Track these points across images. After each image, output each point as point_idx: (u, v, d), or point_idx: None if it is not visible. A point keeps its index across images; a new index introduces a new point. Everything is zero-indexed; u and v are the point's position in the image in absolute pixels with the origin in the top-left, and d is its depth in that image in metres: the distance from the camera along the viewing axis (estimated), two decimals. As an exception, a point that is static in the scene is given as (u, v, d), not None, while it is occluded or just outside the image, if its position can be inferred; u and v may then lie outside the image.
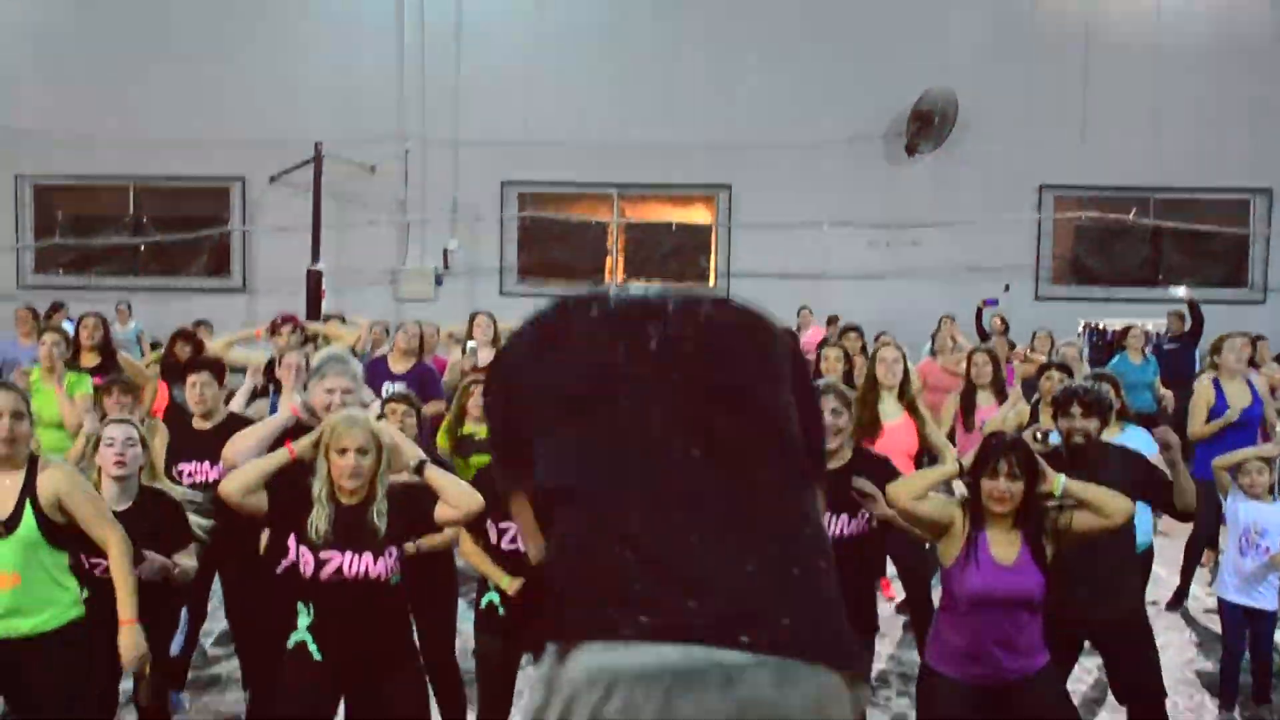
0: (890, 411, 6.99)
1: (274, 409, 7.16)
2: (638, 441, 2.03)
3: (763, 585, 1.91)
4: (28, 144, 17.28)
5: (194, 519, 5.25)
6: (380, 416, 5.26)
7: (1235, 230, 17.66)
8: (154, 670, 5.00)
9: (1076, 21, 17.12)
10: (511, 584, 4.87)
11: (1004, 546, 4.44)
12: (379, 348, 10.48)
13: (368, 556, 4.32)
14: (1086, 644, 5.52)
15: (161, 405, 8.25)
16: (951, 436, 8.21)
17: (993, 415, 8.03)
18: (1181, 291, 14.09)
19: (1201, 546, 8.55)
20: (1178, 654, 7.44)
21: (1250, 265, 17.79)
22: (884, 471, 4.99)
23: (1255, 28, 17.17)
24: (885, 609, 6.58)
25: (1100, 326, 16.43)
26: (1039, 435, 5.43)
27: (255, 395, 7.79)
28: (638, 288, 2.27)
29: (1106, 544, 4.80)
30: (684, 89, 17.15)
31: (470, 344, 9.62)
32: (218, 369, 6.65)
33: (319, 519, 4.31)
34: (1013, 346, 11.96)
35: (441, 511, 4.47)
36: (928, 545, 5.67)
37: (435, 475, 4.48)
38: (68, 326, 10.48)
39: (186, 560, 5.08)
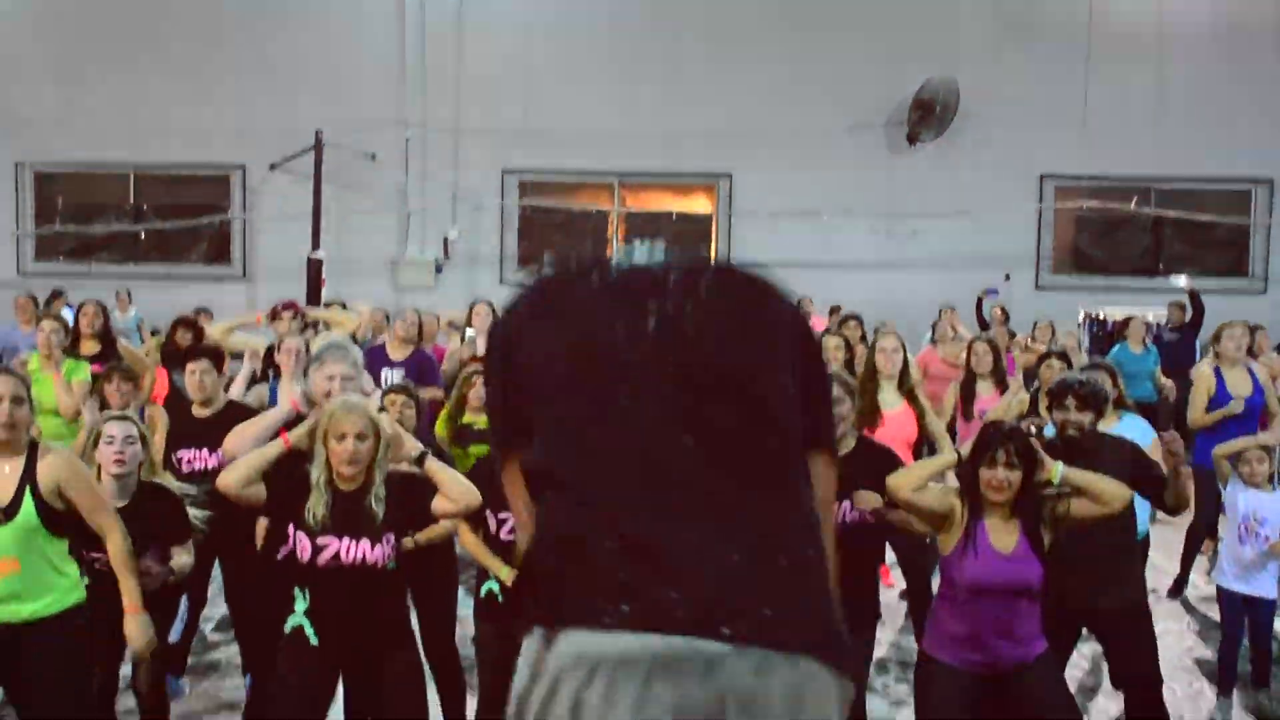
0: (890, 400, 7.00)
1: (273, 394, 7.16)
2: (629, 428, 2.01)
3: (746, 576, 1.91)
4: (28, 131, 17.27)
5: (191, 511, 5.26)
6: (381, 409, 5.25)
7: (1236, 220, 17.64)
8: (152, 657, 5.02)
9: (1079, 11, 17.07)
10: (510, 574, 4.88)
11: (1002, 535, 4.45)
12: (379, 335, 10.47)
13: (365, 543, 4.33)
14: (1084, 631, 5.53)
15: (162, 392, 8.26)
16: (952, 426, 8.22)
17: (992, 404, 8.03)
18: (1182, 282, 14.11)
19: (1202, 535, 8.56)
20: (1176, 641, 7.46)
21: (1251, 256, 17.77)
22: (888, 462, 4.99)
23: (1257, 18, 17.13)
24: (886, 596, 6.58)
25: (1101, 317, 16.41)
26: (1033, 428, 5.43)
27: (254, 380, 7.80)
28: (641, 251, 2.22)
29: (1107, 532, 4.81)
30: (685, 77, 17.12)
31: (469, 332, 9.61)
32: (217, 356, 6.65)
33: (317, 505, 4.32)
34: (1013, 336, 11.97)
35: (439, 504, 4.48)
36: (929, 540, 5.67)
37: (435, 468, 4.49)
38: (68, 314, 10.48)
39: (184, 557, 5.09)
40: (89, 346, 8.46)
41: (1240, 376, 8.33)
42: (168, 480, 5.36)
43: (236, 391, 7.24)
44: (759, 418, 2.05)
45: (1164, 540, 8.53)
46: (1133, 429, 6.05)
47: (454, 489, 4.44)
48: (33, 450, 4.46)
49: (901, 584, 7.48)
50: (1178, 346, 13.44)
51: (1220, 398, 8.26)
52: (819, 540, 2.09)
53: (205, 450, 6.15)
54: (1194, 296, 13.68)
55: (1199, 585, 8.56)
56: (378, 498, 4.38)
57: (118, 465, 5.00)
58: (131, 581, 4.62)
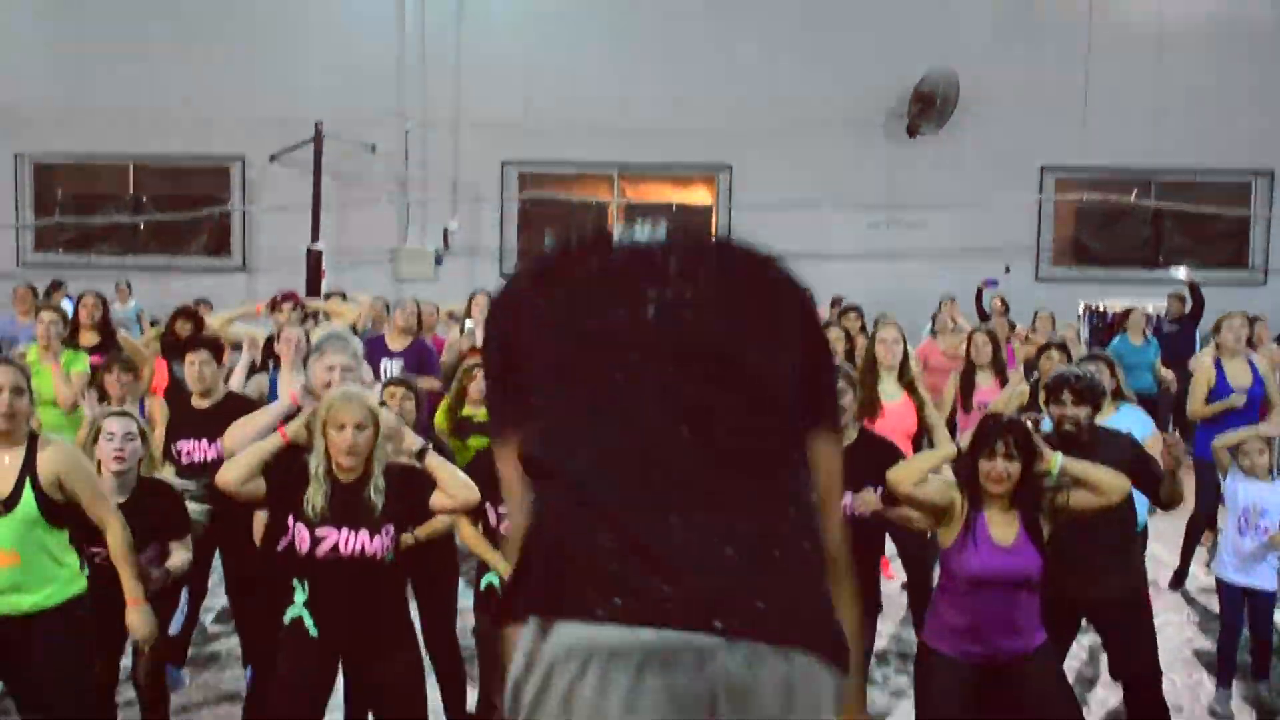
0: (890, 392, 6.99)
1: (273, 384, 7.16)
2: (625, 420, 2.00)
3: (740, 570, 1.91)
4: (28, 122, 17.24)
5: (190, 506, 5.26)
6: (381, 403, 5.26)
7: (1236, 212, 17.63)
8: (151, 649, 5.03)
9: (1079, 2, 17.04)
10: (509, 568, 4.87)
11: (1002, 527, 4.45)
12: (380, 326, 10.47)
13: (364, 534, 4.33)
14: (1083, 622, 5.54)
15: (162, 383, 8.26)
16: (952, 417, 8.23)
17: (992, 396, 8.04)
18: (1182, 273, 14.07)
19: (1202, 526, 8.57)
20: (1176, 633, 7.47)
21: (1251, 247, 17.77)
22: (889, 455, 4.99)
23: (1257, 10, 17.12)
24: (886, 588, 6.58)
25: (1100, 308, 16.41)
26: (1031, 423, 5.42)
27: (254, 370, 7.80)
28: (643, 230, 2.20)
29: (1106, 523, 4.81)
30: (685, 69, 17.09)
31: (469, 324, 9.61)
32: (216, 348, 6.65)
33: (316, 496, 4.32)
34: (1013, 328, 11.97)
35: (438, 500, 4.48)
36: (929, 535, 5.67)
37: (436, 464, 4.49)
38: (67, 305, 10.47)
39: (182, 553, 5.09)
40: (88, 338, 8.44)
41: (1240, 367, 8.33)
42: (167, 472, 5.36)
43: (236, 382, 7.23)
44: (760, 408, 2.04)
45: (1163, 532, 8.54)
46: (1131, 419, 6.06)
47: (453, 485, 4.45)
48: (32, 442, 4.45)
49: (902, 576, 7.48)
50: (1177, 338, 13.44)
51: (1220, 389, 8.26)
52: (817, 533, 2.08)
53: (205, 441, 6.14)
54: (1194, 288, 13.66)
55: (1198, 577, 8.56)
56: (377, 488, 4.38)
57: (118, 463, 4.99)
58: (132, 575, 4.64)
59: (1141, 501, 5.56)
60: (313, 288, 15.01)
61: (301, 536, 4.32)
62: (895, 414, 6.85)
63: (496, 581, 5.01)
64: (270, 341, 8.08)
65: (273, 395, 6.98)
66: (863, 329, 9.81)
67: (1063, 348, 7.66)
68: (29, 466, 4.39)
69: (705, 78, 17.03)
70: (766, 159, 16.88)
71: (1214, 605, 7.19)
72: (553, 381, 2.08)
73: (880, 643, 6.94)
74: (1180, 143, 16.86)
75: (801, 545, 2.02)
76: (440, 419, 6.88)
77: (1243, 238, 17.80)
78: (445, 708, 5.57)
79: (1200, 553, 8.77)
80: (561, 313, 2.10)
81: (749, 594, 1.90)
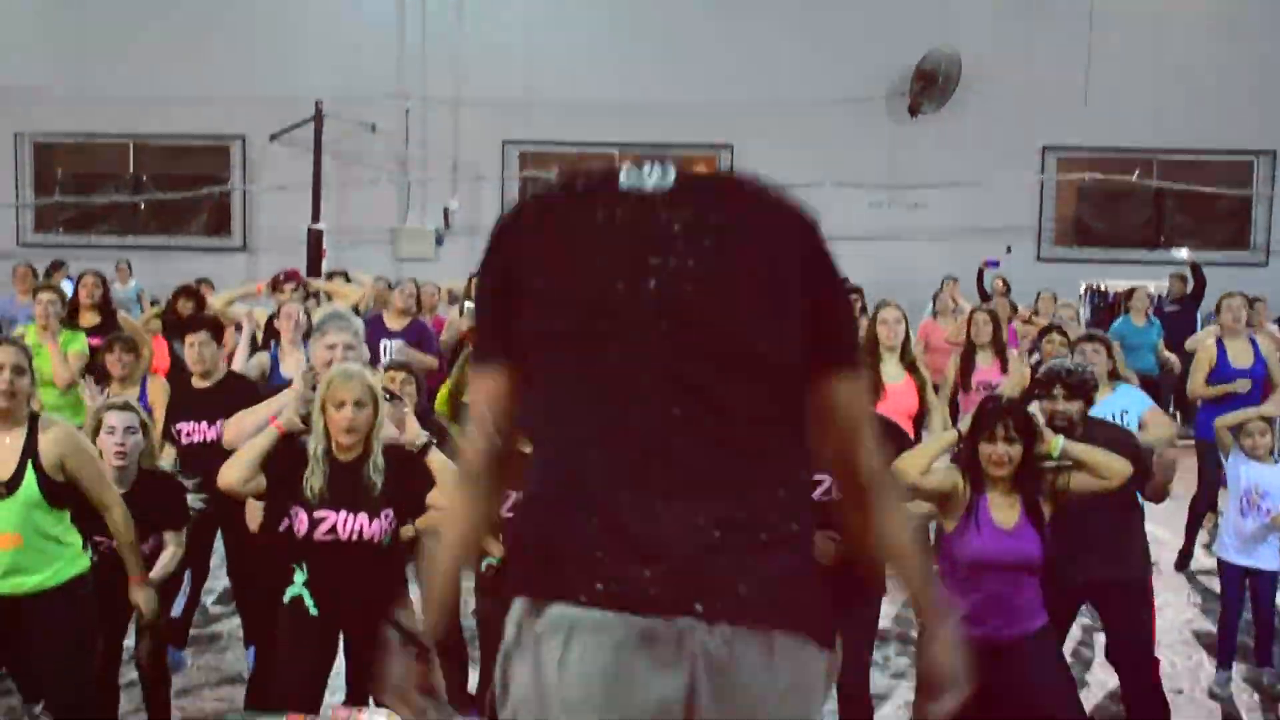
0: (892, 373, 6.99)
1: (275, 360, 7.14)
2: (618, 398, 2.00)
3: (725, 552, 1.94)
4: (27, 101, 17.16)
5: (190, 498, 5.26)
6: (388, 396, 5.24)
7: (1238, 192, 17.61)
8: (153, 630, 5.04)
9: (1082, -19, 17.00)
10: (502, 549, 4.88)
11: (1004, 510, 4.45)
12: (383, 307, 10.48)
13: (363, 517, 4.31)
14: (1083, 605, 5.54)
15: (163, 363, 8.26)
16: (954, 398, 8.23)
17: (991, 376, 8.06)
18: (1184, 254, 14.08)
19: (1204, 507, 8.58)
20: (1176, 614, 7.47)
21: (1253, 227, 17.75)
22: (896, 437, 4.97)
23: (1260, -12, 17.07)
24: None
25: (1102, 288, 16.39)
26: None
27: (255, 347, 7.79)
28: (650, 175, 2.14)
29: (1108, 507, 4.80)
30: (686, 48, 17.03)
31: (469, 304, 9.60)
32: (216, 328, 6.65)
33: (314, 477, 4.30)
34: (1015, 309, 11.95)
35: (434, 498, 4.46)
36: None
37: (438, 465, 4.47)
38: (67, 285, 10.46)
39: (172, 549, 5.08)
40: (89, 318, 8.43)
41: (1242, 346, 8.33)
42: (168, 453, 5.35)
43: (239, 361, 7.23)
44: (758, 387, 2.02)
45: (1165, 513, 8.53)
46: (1128, 399, 6.09)
47: (450, 488, 4.42)
48: (33, 423, 4.43)
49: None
50: (1178, 319, 13.42)
51: (1221, 368, 8.26)
52: (806, 512, 2.09)
53: (204, 423, 6.15)
54: (1195, 269, 13.65)
55: (1199, 558, 8.57)
56: (376, 467, 4.36)
57: (119, 457, 4.98)
58: (134, 555, 4.66)
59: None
60: (313, 267, 15.00)
61: (300, 519, 4.31)
62: (897, 395, 6.84)
63: (497, 562, 5.00)
64: (271, 320, 8.08)
65: (274, 372, 6.98)
66: (864, 310, 9.79)
67: (1062, 330, 7.65)
68: (30, 448, 4.37)
69: (706, 57, 16.96)
70: (767, 138, 16.80)
71: (1214, 586, 7.20)
72: (549, 347, 2.07)
73: (881, 624, 6.94)
74: (1182, 122, 16.82)
75: (789, 527, 2.03)
76: (441, 404, 6.86)
77: (1245, 217, 17.79)
78: (446, 689, 5.57)
79: (1200, 534, 8.78)
80: (562, 269, 2.08)
81: (731, 577, 1.94)
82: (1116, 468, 4.54)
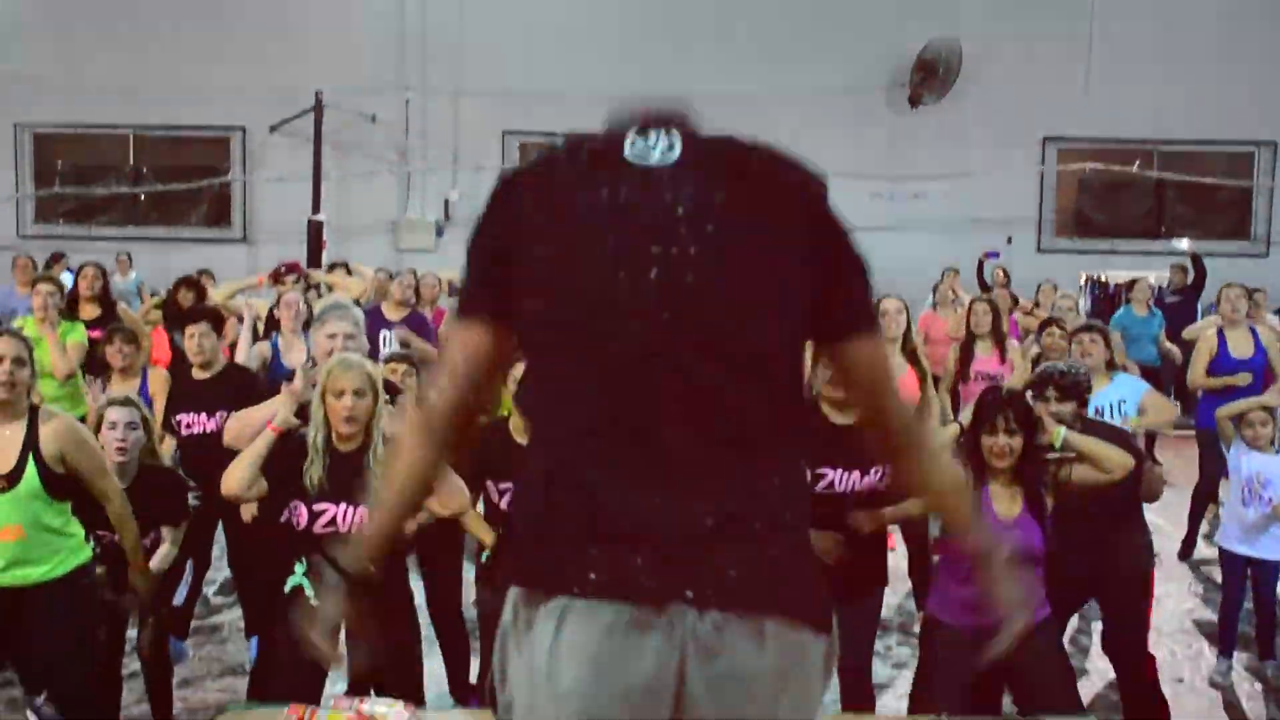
0: (893, 364, 6.98)
1: (276, 350, 7.14)
2: (616, 387, 1.99)
3: (717, 540, 1.95)
4: (27, 92, 17.13)
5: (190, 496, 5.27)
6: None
7: (1239, 183, 17.59)
8: (154, 620, 5.05)
9: (1082, -29, 16.97)
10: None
11: (1005, 502, 4.45)
12: (383, 297, 10.49)
13: (363, 510, 4.30)
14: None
15: (164, 354, 8.26)
16: (954, 388, 8.24)
17: (990, 366, 8.09)
18: (1184, 244, 14.08)
19: (1206, 497, 8.58)
20: (1177, 604, 7.48)
21: (1254, 218, 17.73)
22: None
23: (1262, -22, 17.03)
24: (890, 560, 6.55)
25: (1102, 279, 16.37)
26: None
27: (256, 338, 7.79)
28: (657, 148, 2.09)
29: (1110, 500, 4.81)
30: (685, 39, 16.99)
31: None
32: (216, 318, 6.65)
33: (314, 468, 4.28)
34: (1015, 300, 11.96)
35: (430, 503, 4.45)
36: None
37: None
38: (67, 277, 10.45)
39: (169, 545, 5.08)
40: (89, 310, 8.42)
41: (1243, 336, 8.34)
42: (168, 444, 5.35)
43: (242, 355, 7.23)
44: (756, 379, 2.02)
45: (1166, 504, 8.53)
46: (1125, 388, 6.16)
47: (447, 491, 4.41)
48: (34, 415, 4.43)
49: (904, 547, 7.49)
50: (1179, 309, 13.42)
51: (1222, 358, 8.27)
52: (801, 500, 2.11)
53: (204, 415, 6.15)
54: (1196, 259, 13.64)
55: (1200, 548, 8.57)
56: (377, 456, 4.35)
57: (120, 454, 4.98)
58: (135, 543, 4.68)
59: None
60: (314, 259, 14.99)
61: (300, 513, 4.30)
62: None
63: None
64: (272, 310, 8.08)
65: (276, 361, 6.98)
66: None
67: (1061, 324, 7.65)
68: (31, 441, 4.36)
69: (705, 46, 16.91)
70: (766, 128, 16.46)
71: (1216, 576, 7.21)
72: (548, 336, 2.06)
73: (883, 614, 6.95)
74: (1183, 113, 16.79)
75: (784, 515, 2.04)
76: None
77: (1245, 208, 17.77)
78: (449, 678, 5.59)
79: (1201, 524, 8.78)
80: (564, 252, 2.05)
81: (723, 564, 1.95)
82: (1118, 459, 4.54)
